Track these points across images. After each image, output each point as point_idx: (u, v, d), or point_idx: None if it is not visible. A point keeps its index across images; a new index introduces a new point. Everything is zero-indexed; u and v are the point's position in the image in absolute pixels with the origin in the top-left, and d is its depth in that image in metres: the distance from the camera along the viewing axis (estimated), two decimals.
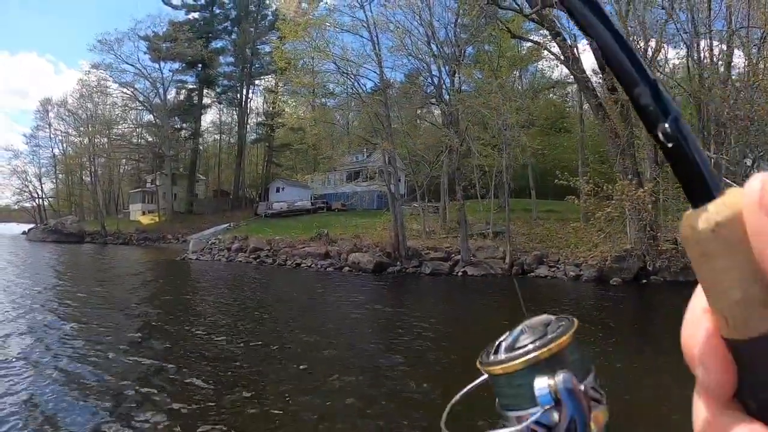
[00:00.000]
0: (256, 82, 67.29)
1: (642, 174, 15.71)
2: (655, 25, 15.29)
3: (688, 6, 16.01)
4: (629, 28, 14.67)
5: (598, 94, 17.91)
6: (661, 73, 16.69)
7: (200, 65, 62.41)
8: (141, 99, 61.19)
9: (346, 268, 25.70)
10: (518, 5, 19.51)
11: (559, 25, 17.77)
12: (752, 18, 16.80)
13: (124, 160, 71.25)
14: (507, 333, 0.53)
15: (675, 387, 6.03)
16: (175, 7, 63.49)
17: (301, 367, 8.38)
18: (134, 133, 67.71)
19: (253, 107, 68.94)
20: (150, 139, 66.58)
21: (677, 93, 17.18)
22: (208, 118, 75.91)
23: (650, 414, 6.01)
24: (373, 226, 31.78)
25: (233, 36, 65.90)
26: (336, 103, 38.38)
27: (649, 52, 14.95)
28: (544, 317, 0.53)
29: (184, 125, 66.57)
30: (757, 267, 0.24)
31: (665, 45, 16.06)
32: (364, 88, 32.28)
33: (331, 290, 19.27)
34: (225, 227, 43.49)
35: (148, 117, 64.43)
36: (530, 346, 0.48)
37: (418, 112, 37.26)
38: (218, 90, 68.04)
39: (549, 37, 19.65)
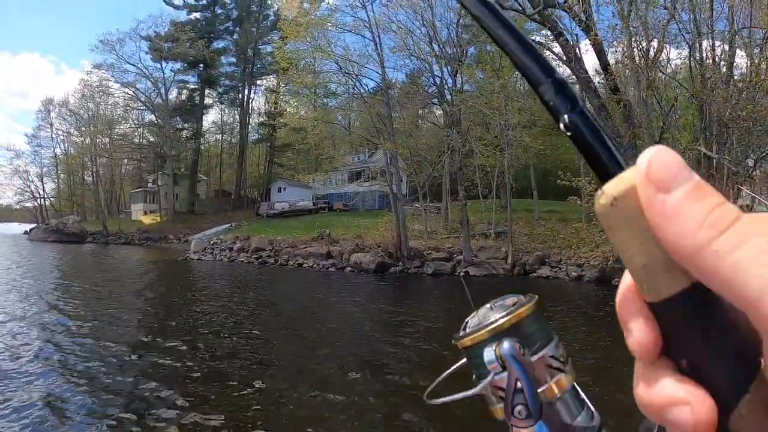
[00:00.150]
0: (258, 82, 67.41)
1: None
2: (657, 25, 15.29)
3: (690, 6, 16.00)
4: (632, 29, 14.69)
5: (601, 94, 17.90)
6: (663, 73, 16.68)
7: (202, 65, 62.43)
8: (143, 99, 61.24)
9: (348, 269, 25.72)
10: (520, 5, 19.49)
11: (561, 26, 17.77)
12: (754, 18, 16.79)
13: (125, 160, 71.21)
14: (475, 311, 0.57)
15: None
16: (176, 7, 63.56)
17: (303, 365, 8.40)
18: (136, 133, 67.68)
19: (255, 107, 69.03)
20: (152, 139, 66.54)
21: (680, 93, 17.20)
22: (210, 118, 76.09)
23: None
24: (374, 226, 31.78)
25: (235, 36, 65.87)
26: (338, 103, 38.45)
27: (652, 52, 14.93)
28: (509, 297, 0.56)
29: (186, 125, 66.57)
30: (657, 236, 0.26)
31: (667, 45, 16.06)
32: (366, 88, 32.35)
33: (333, 290, 19.28)
34: (227, 227, 43.52)
35: (150, 117, 64.45)
36: (492, 319, 0.52)
37: (420, 112, 37.26)
38: (220, 90, 68.06)
39: (551, 37, 19.63)
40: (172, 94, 64.01)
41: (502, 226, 27.36)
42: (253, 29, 63.75)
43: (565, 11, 16.65)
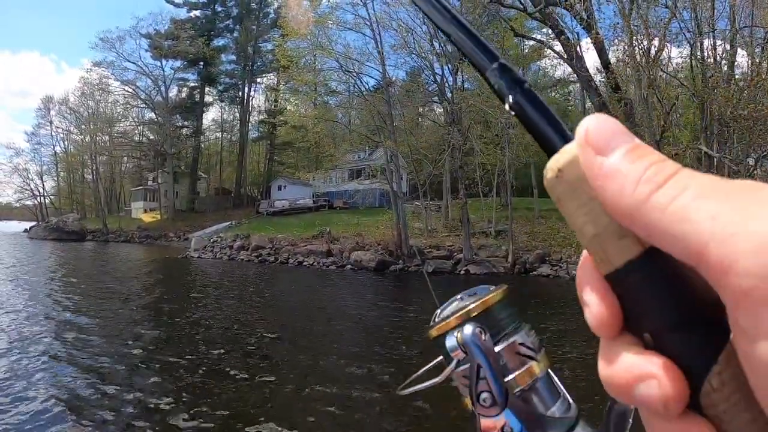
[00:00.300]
0: (258, 80, 67.38)
1: None
2: (658, 24, 15.27)
3: (691, 5, 15.99)
4: (633, 27, 14.68)
5: (602, 92, 17.89)
6: (664, 71, 16.66)
7: (202, 63, 62.42)
8: (143, 97, 61.26)
9: (348, 267, 25.75)
10: (521, 3, 19.48)
11: (562, 24, 17.73)
12: (756, 17, 16.79)
13: (125, 157, 71.19)
14: (445, 303, 0.56)
15: None
16: (176, 5, 63.55)
17: (303, 361, 8.42)
18: (136, 131, 67.73)
19: (255, 105, 69.00)
20: (152, 137, 66.57)
21: (681, 92, 17.18)
22: (210, 116, 75.89)
23: None
24: (375, 224, 31.82)
25: (235, 34, 65.83)
26: (338, 101, 38.43)
27: (653, 51, 14.92)
28: (479, 287, 0.56)
29: (186, 123, 66.59)
30: (600, 200, 0.26)
31: (668, 44, 16.05)
32: (367, 86, 32.34)
33: (334, 288, 19.30)
34: (227, 225, 43.57)
35: (150, 115, 64.54)
36: (461, 305, 0.52)
37: (420, 110, 37.23)
38: (220, 88, 68.08)
39: (552, 36, 19.63)
40: (172, 92, 64.19)
41: (503, 225, 27.39)
42: (254, 27, 63.72)
43: (567, 9, 16.62)
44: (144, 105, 62.52)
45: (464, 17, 0.35)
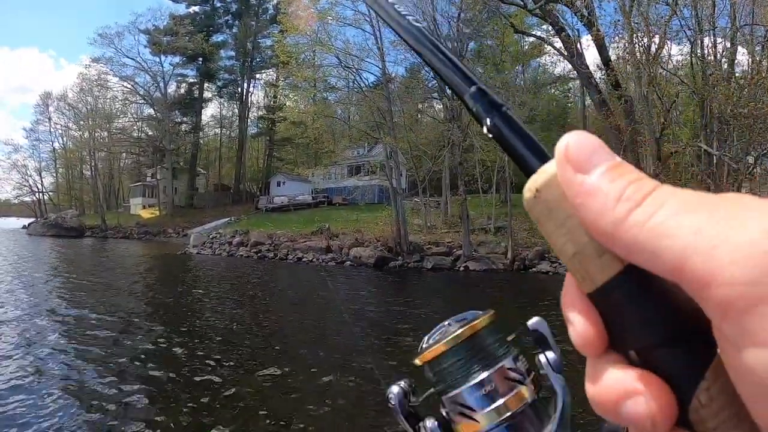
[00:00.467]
0: (257, 75, 67.24)
1: (644, 170, 15.70)
2: (659, 21, 15.27)
3: (692, 2, 15.99)
4: (633, 24, 14.69)
5: (602, 90, 17.91)
6: (664, 69, 16.67)
7: (201, 59, 62.30)
8: (141, 93, 61.13)
9: (348, 263, 25.75)
10: (522, 0, 19.46)
11: (562, 21, 17.75)
12: (756, 16, 16.80)
13: (124, 154, 71.08)
14: (434, 328, 0.56)
15: None
16: (175, 1, 63.35)
17: (303, 357, 8.45)
18: (135, 127, 67.61)
19: (254, 101, 68.87)
20: (150, 132, 66.50)
21: (681, 90, 17.19)
22: (209, 112, 75.76)
23: None
24: (374, 220, 31.80)
25: (234, 29, 65.74)
26: (337, 97, 38.40)
27: (653, 48, 14.93)
28: (468, 312, 0.56)
29: (185, 119, 66.49)
30: (580, 218, 0.27)
31: (669, 41, 16.04)
32: (366, 82, 32.29)
33: (333, 285, 19.30)
34: (226, 221, 43.57)
35: (149, 111, 64.37)
36: (451, 330, 0.52)
37: (420, 106, 37.20)
38: (219, 84, 67.96)
39: (552, 32, 19.63)
40: (171, 88, 64.06)
41: (502, 221, 27.40)
42: (252, 23, 63.58)
43: (567, 6, 16.62)
44: (143, 101, 62.42)
45: (443, 43, 0.37)
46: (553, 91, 48.16)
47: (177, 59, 61.62)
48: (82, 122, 63.04)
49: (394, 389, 0.54)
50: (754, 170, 14.49)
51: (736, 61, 17.22)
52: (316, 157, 52.21)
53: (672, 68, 17.28)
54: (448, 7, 26.74)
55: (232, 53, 66.99)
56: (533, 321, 0.52)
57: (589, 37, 17.03)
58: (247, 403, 6.47)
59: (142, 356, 8.50)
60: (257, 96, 70.25)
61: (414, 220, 30.00)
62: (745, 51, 17.69)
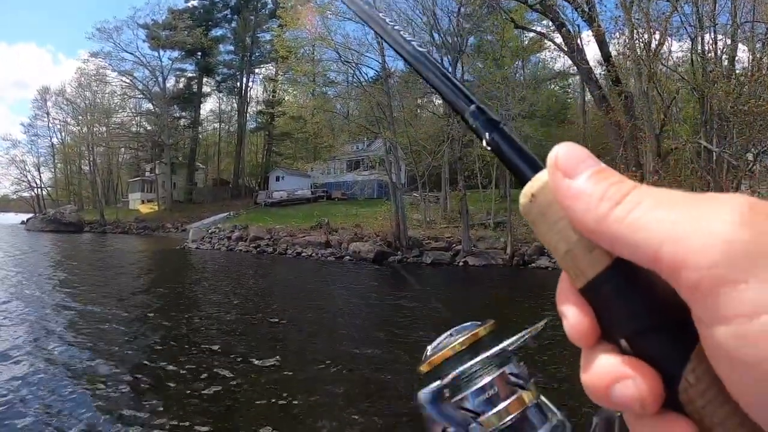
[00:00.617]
0: (256, 70, 67.09)
1: (644, 166, 15.76)
2: (659, 17, 15.25)
3: None
4: (634, 20, 14.67)
5: (602, 85, 17.89)
6: (664, 65, 16.67)
7: (200, 53, 62.12)
8: (140, 87, 61.03)
9: (347, 258, 25.78)
10: None
11: (563, 16, 17.71)
12: (757, 13, 16.78)
13: (123, 149, 70.92)
14: (437, 338, 0.59)
15: None
16: None
17: (302, 351, 8.49)
18: (133, 122, 67.47)
19: (253, 96, 68.77)
20: (149, 127, 66.34)
21: (681, 86, 17.18)
22: (208, 107, 75.72)
23: None
24: (373, 215, 31.82)
25: (233, 24, 65.57)
26: (337, 92, 38.34)
27: (653, 44, 14.92)
28: (469, 322, 0.58)
29: (184, 114, 66.44)
30: (569, 219, 0.30)
31: (669, 38, 16.03)
32: (366, 77, 32.23)
33: (332, 279, 19.34)
34: (224, 216, 43.58)
35: (147, 105, 64.29)
36: (452, 339, 0.55)
37: (419, 101, 37.17)
38: (218, 78, 67.83)
39: (552, 28, 19.59)
40: (170, 83, 63.94)
41: (502, 216, 27.44)
42: (252, 17, 63.40)
43: (568, 2, 16.59)
44: (141, 96, 62.37)
45: (444, 67, 0.40)
46: (553, 86, 48.11)
47: (176, 54, 61.53)
48: (80, 117, 62.93)
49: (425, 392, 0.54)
50: (754, 167, 14.51)
51: (736, 58, 17.23)
52: (315, 152, 52.13)
53: (672, 65, 17.28)
54: (448, 2, 26.74)
55: (231, 48, 66.94)
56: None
57: (590, 32, 17.01)
58: (247, 394, 6.51)
59: (143, 350, 8.53)
60: (256, 91, 70.24)
61: (413, 215, 30.05)
62: (745, 48, 17.72)
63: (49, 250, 31.27)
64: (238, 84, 66.90)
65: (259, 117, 66.59)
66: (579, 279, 0.30)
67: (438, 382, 0.53)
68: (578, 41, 17.51)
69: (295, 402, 6.39)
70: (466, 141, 26.84)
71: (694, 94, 16.68)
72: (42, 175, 73.76)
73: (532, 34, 30.63)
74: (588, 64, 17.55)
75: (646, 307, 0.28)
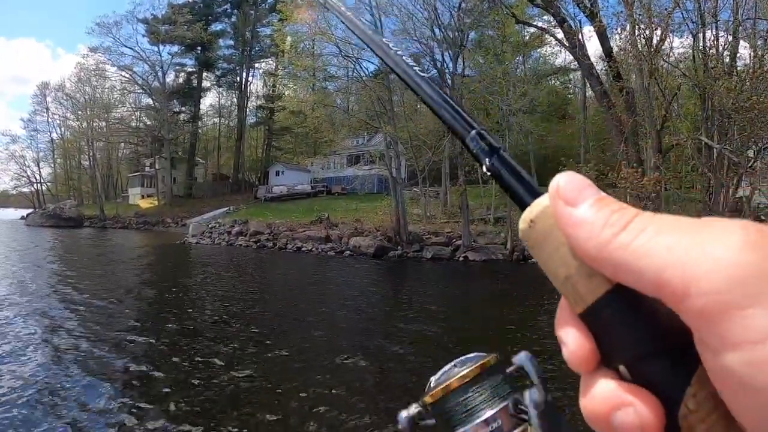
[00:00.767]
0: (256, 65, 66.97)
1: (645, 162, 15.78)
2: (661, 13, 15.22)
3: None
4: (636, 16, 14.66)
5: (603, 81, 17.87)
6: (666, 61, 16.66)
7: (200, 48, 62.01)
8: (140, 82, 60.90)
9: (347, 252, 25.81)
10: None
11: (564, 11, 17.68)
12: (759, 9, 16.75)
13: (122, 143, 70.93)
14: (441, 369, 0.58)
15: None
16: None
17: (300, 346, 8.53)
18: (133, 117, 67.45)
19: (253, 90, 68.71)
20: (149, 122, 66.30)
21: (682, 82, 17.18)
22: (208, 102, 75.69)
23: None
24: (373, 210, 31.83)
25: (233, 18, 65.44)
26: (337, 87, 38.28)
27: (655, 40, 14.91)
28: (472, 354, 0.57)
29: (183, 108, 66.37)
30: (570, 245, 0.30)
31: (671, 34, 16.00)
32: (366, 72, 32.17)
33: (333, 274, 19.39)
34: (224, 211, 43.62)
35: (147, 100, 64.22)
36: (458, 370, 0.54)
37: None
38: (218, 73, 67.73)
39: (554, 23, 19.56)
40: (170, 77, 63.81)
41: (502, 212, 27.45)
42: (252, 12, 63.26)
43: None
44: (141, 90, 62.22)
45: (446, 94, 0.40)
46: (553, 82, 48.06)
47: (175, 48, 61.45)
48: (80, 112, 62.76)
49: (403, 414, 0.54)
50: (755, 164, 14.53)
51: (738, 55, 17.22)
52: (315, 147, 52.13)
53: (674, 61, 17.27)
54: None
55: (231, 42, 66.85)
56: (519, 357, 0.52)
57: (591, 28, 16.98)
58: (248, 385, 6.55)
59: (145, 343, 8.56)
60: (256, 85, 70.13)
61: (413, 210, 30.07)
62: (747, 45, 17.70)
63: (49, 245, 31.29)
64: (238, 79, 66.93)
65: (259, 112, 66.56)
66: (578, 304, 0.30)
67: (415, 407, 0.53)
68: (580, 37, 17.47)
69: (295, 392, 6.44)
70: None
71: (695, 90, 16.69)
72: (42, 170, 73.64)
73: (533, 30, 30.61)
74: (589, 59, 17.53)
75: (646, 333, 0.28)
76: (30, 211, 65.79)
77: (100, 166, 66.95)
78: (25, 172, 71.08)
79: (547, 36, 27.21)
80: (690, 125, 17.02)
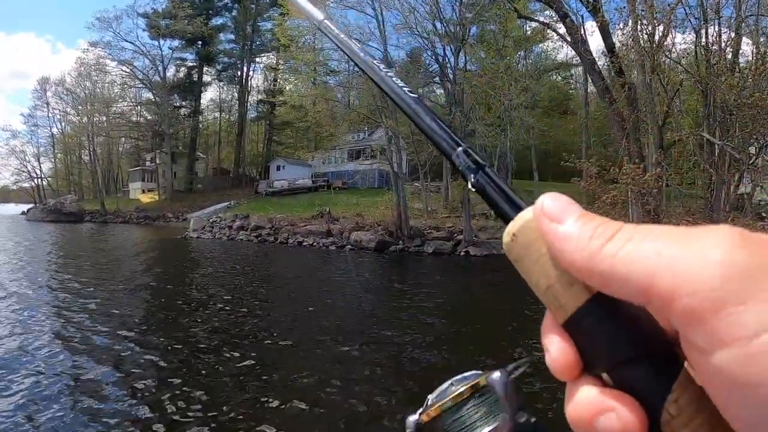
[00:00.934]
0: (257, 59, 66.82)
1: (646, 158, 15.77)
2: (664, 9, 15.19)
3: None
4: (639, 11, 14.62)
5: (605, 76, 17.83)
6: (668, 57, 16.64)
7: (200, 42, 61.83)
8: (140, 77, 60.77)
9: (348, 247, 25.86)
10: None
11: (566, 6, 17.62)
12: (762, 6, 16.73)
13: (123, 138, 70.97)
14: (437, 388, 0.57)
15: None
16: None
17: (302, 337, 8.58)
18: (133, 112, 67.35)
19: (254, 85, 68.61)
20: (149, 117, 66.28)
21: (684, 78, 17.17)
22: (208, 96, 75.52)
23: None
24: (374, 204, 31.91)
25: (234, 13, 65.13)
26: (338, 81, 38.25)
27: (657, 36, 14.87)
28: (470, 372, 0.56)
29: (184, 103, 66.28)
30: (551, 256, 0.31)
31: (673, 30, 15.97)
32: None
33: (334, 268, 19.41)
34: (225, 205, 43.66)
35: (148, 95, 64.10)
36: (454, 388, 0.54)
37: (421, 90, 37.08)
38: (218, 67, 67.56)
39: (556, 18, 19.49)
40: (170, 72, 63.72)
41: None
42: (252, 6, 63.00)
43: None
44: (142, 85, 62.13)
45: (433, 112, 0.42)
46: (555, 77, 48.00)
47: (176, 43, 61.26)
48: (80, 107, 62.84)
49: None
50: (756, 161, 14.54)
51: (740, 52, 17.19)
52: (316, 141, 52.08)
53: (676, 57, 17.25)
54: None
55: (232, 36, 66.61)
56: (491, 377, 0.51)
57: (594, 23, 16.92)
58: (243, 383, 6.60)
59: (141, 340, 8.59)
60: (257, 80, 70.13)
61: (414, 205, 30.12)
62: (749, 41, 17.67)
63: (50, 240, 31.31)
64: (239, 73, 66.75)
65: (260, 106, 66.47)
66: (560, 314, 0.31)
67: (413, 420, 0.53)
68: (582, 32, 17.40)
69: (298, 381, 6.48)
70: (468, 131, 26.85)
71: (697, 86, 16.66)
72: (42, 165, 73.90)
73: (535, 24, 30.55)
74: (591, 55, 17.47)
75: (627, 340, 0.29)
76: (31, 206, 65.97)
77: (101, 160, 67.05)
78: (26, 167, 71.37)
79: (549, 31, 27.13)
80: (692, 121, 17.01)
